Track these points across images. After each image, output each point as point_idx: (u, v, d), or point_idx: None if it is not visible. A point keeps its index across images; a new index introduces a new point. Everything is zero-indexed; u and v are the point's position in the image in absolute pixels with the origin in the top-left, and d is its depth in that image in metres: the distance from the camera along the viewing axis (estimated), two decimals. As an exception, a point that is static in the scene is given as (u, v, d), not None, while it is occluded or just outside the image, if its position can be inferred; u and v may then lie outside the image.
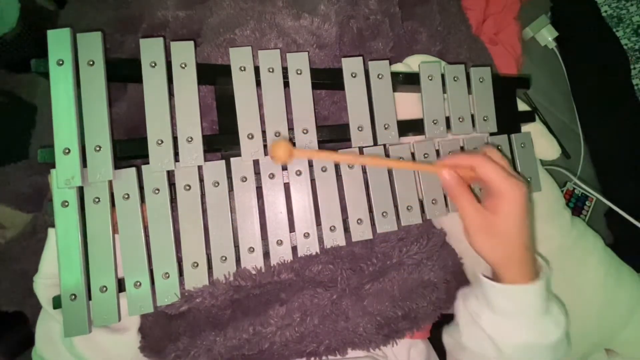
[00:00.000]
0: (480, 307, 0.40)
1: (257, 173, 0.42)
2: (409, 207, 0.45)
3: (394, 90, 0.46)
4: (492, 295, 0.39)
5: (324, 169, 0.43)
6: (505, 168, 0.39)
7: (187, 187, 0.40)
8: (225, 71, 0.42)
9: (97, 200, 0.38)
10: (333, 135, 0.45)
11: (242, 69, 0.42)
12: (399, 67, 0.49)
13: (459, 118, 0.47)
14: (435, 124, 0.46)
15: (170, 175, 0.41)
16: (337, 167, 0.44)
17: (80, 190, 0.38)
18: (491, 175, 0.37)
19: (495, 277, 0.40)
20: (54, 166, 0.37)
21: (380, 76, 0.45)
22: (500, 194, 0.37)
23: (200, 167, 0.41)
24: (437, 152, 0.46)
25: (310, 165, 0.43)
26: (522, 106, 0.52)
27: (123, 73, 0.42)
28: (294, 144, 0.43)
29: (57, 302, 0.38)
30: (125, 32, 0.49)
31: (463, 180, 0.40)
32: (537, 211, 0.50)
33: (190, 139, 0.40)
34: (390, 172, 0.45)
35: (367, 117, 0.44)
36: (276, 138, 0.42)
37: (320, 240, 0.43)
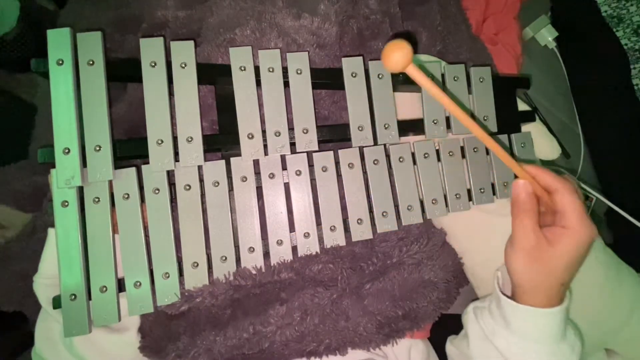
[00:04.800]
0: (495, 325, 0.39)
1: (257, 173, 0.42)
2: (410, 207, 0.45)
3: (394, 90, 0.46)
4: (511, 315, 0.38)
5: (324, 169, 0.43)
6: (583, 205, 0.37)
7: (187, 187, 0.40)
8: (225, 71, 0.42)
9: (97, 200, 0.38)
10: (333, 135, 0.45)
11: (242, 68, 0.42)
12: (399, 67, 0.49)
13: (459, 118, 0.47)
14: (435, 123, 0.46)
15: (170, 175, 0.41)
16: (337, 167, 0.44)
17: (80, 190, 0.38)
18: (570, 206, 0.36)
19: (513, 295, 0.39)
20: (54, 166, 0.37)
21: (380, 76, 0.45)
22: (567, 228, 0.36)
23: (200, 167, 0.41)
24: (437, 152, 0.46)
25: (311, 165, 0.43)
26: (522, 106, 0.52)
27: (123, 73, 0.42)
28: (292, 144, 0.43)
29: (57, 302, 0.38)
30: (125, 32, 0.49)
31: (537, 194, 0.38)
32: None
33: (190, 139, 0.40)
34: (390, 172, 0.45)
35: (367, 116, 0.44)
36: (276, 138, 0.42)
37: (321, 239, 0.43)
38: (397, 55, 0.27)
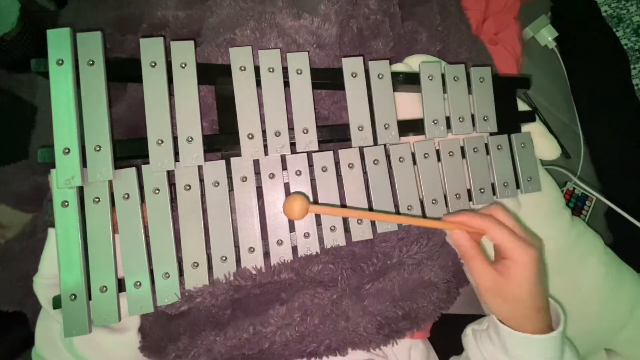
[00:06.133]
0: (495, 351, 0.40)
1: (257, 173, 0.42)
2: (410, 207, 0.45)
3: (394, 90, 0.46)
4: (508, 342, 0.39)
5: (324, 169, 0.43)
6: (514, 230, 0.39)
7: (187, 187, 0.40)
8: (225, 71, 0.42)
9: (97, 200, 0.38)
10: (333, 135, 0.45)
11: (242, 68, 0.42)
12: (399, 67, 0.49)
13: (459, 118, 0.47)
14: (435, 123, 0.46)
15: (170, 175, 0.41)
16: (337, 167, 0.44)
17: (80, 190, 0.38)
18: (501, 241, 0.38)
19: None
20: (54, 166, 0.37)
21: (380, 76, 0.45)
22: (510, 259, 0.38)
23: (200, 167, 0.41)
24: (437, 152, 0.46)
25: (311, 165, 0.43)
26: (522, 106, 0.52)
27: (123, 73, 0.42)
28: (292, 144, 0.43)
29: (57, 302, 0.38)
30: (125, 32, 0.49)
31: (473, 237, 0.40)
32: (537, 211, 0.50)
33: (190, 139, 0.40)
34: (390, 172, 0.45)
35: (367, 117, 0.44)
36: (276, 138, 0.42)
37: (321, 240, 0.43)
38: (296, 209, 0.33)
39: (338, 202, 0.43)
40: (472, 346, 0.43)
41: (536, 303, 0.38)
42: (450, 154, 0.47)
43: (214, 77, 0.44)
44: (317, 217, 0.43)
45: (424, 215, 0.46)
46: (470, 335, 0.44)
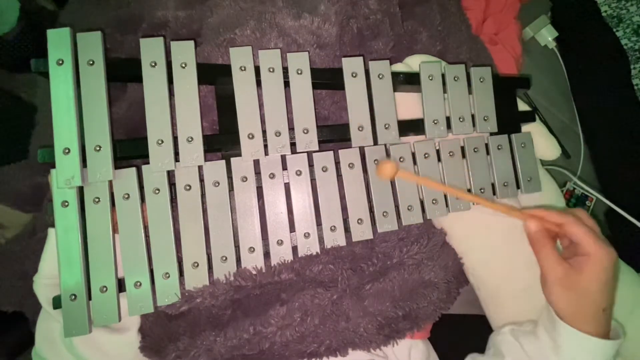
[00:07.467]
0: (543, 351, 0.39)
1: (258, 173, 0.42)
2: (410, 207, 0.45)
3: (395, 90, 0.46)
4: (566, 341, 0.38)
5: (324, 169, 0.43)
6: (596, 231, 0.39)
7: (188, 187, 0.40)
8: (225, 71, 0.42)
9: (97, 200, 0.38)
10: (333, 135, 0.45)
11: (243, 68, 0.42)
12: (399, 67, 0.49)
13: (460, 118, 0.47)
14: (435, 123, 0.46)
15: (171, 175, 0.41)
16: (337, 167, 0.44)
17: (80, 190, 0.38)
18: (582, 236, 0.38)
19: None
20: (54, 166, 0.37)
21: (380, 76, 0.45)
22: (588, 255, 0.37)
23: (200, 167, 0.41)
24: (437, 152, 0.46)
25: (311, 165, 0.43)
26: (522, 106, 0.52)
27: (123, 73, 0.42)
28: (292, 144, 0.43)
29: (57, 302, 0.38)
30: (125, 32, 0.49)
31: (548, 231, 0.40)
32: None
33: (190, 139, 0.40)
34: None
35: (368, 117, 0.44)
36: (276, 138, 0.42)
37: (321, 240, 0.43)
38: (387, 170, 0.33)
39: (338, 202, 0.43)
40: (509, 344, 0.42)
41: (603, 302, 0.38)
42: (451, 154, 0.47)
43: (214, 77, 0.44)
44: (318, 217, 0.43)
45: (423, 215, 0.46)
46: (508, 333, 0.43)
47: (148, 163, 0.39)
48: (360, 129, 0.44)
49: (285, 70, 0.43)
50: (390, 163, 0.34)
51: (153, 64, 0.40)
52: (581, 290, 0.37)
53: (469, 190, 0.47)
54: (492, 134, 0.48)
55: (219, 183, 0.41)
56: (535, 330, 0.41)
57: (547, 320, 0.40)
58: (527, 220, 0.40)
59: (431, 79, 0.46)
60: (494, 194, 0.48)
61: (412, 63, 0.49)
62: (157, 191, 0.40)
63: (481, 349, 0.46)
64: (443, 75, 0.47)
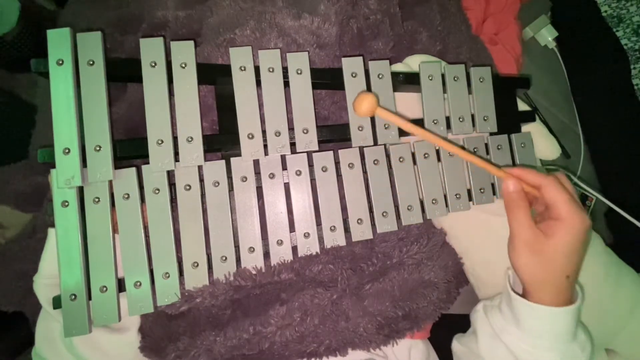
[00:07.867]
0: (505, 323, 0.39)
1: (257, 173, 0.42)
2: (410, 207, 0.45)
3: (395, 90, 0.46)
4: (522, 313, 0.38)
5: (324, 169, 0.43)
6: (572, 196, 0.38)
7: (187, 187, 0.40)
8: (225, 71, 0.42)
9: (97, 200, 0.38)
10: (333, 135, 0.45)
11: (242, 68, 0.42)
12: (399, 67, 0.49)
13: (459, 118, 0.47)
14: (435, 123, 0.46)
15: (171, 175, 0.41)
16: (337, 167, 0.44)
17: (80, 190, 0.38)
18: (557, 198, 0.37)
19: (524, 293, 0.39)
20: (54, 166, 0.37)
21: (380, 76, 0.45)
22: (560, 219, 0.36)
23: (200, 167, 0.41)
24: (437, 152, 0.46)
25: (310, 165, 0.43)
26: (522, 106, 0.52)
27: (123, 73, 0.42)
28: (292, 144, 0.43)
29: (57, 302, 0.38)
30: (125, 32, 0.49)
31: (526, 193, 0.39)
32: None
33: (190, 139, 0.40)
34: (390, 171, 0.45)
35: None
36: (276, 138, 0.42)
37: (321, 240, 0.43)
38: (365, 105, 0.31)
39: (338, 202, 0.43)
40: (481, 320, 0.42)
41: (568, 269, 0.37)
42: (451, 154, 0.46)
43: (214, 77, 0.44)
44: (317, 217, 0.43)
45: (423, 215, 0.46)
46: (480, 310, 0.43)
47: (148, 163, 0.39)
48: (360, 128, 0.44)
49: (285, 70, 0.43)
50: (369, 98, 0.31)
51: (153, 64, 0.40)
52: (548, 255, 0.37)
53: (469, 191, 0.47)
54: (492, 134, 0.48)
55: (218, 183, 0.41)
56: (500, 304, 0.41)
57: (505, 295, 0.40)
58: (507, 179, 0.39)
59: (431, 79, 0.46)
60: (494, 193, 0.48)
61: (412, 63, 0.49)
62: (157, 191, 0.40)
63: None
64: (443, 75, 0.47)
